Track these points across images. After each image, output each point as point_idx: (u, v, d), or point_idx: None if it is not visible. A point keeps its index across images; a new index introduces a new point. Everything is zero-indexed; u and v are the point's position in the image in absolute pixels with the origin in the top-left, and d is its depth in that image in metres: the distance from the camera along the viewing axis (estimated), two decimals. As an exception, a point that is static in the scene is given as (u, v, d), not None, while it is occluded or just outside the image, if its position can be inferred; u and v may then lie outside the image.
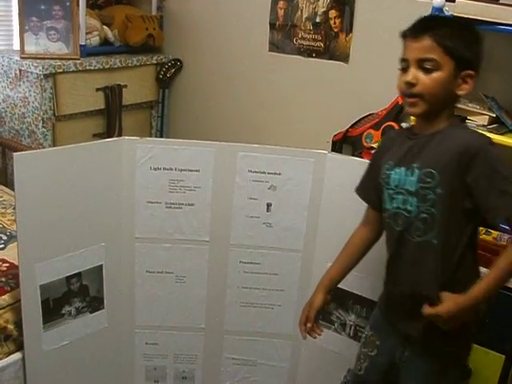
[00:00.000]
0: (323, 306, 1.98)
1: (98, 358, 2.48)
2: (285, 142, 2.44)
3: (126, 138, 2.35)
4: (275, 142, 2.47)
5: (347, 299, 2.36)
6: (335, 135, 2.99)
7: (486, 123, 2.36)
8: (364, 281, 2.29)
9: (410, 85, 1.64)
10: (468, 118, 2.39)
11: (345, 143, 2.96)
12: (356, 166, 2.29)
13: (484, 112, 2.37)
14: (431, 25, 1.65)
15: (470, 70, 1.64)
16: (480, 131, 1.69)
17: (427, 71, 1.62)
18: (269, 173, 2.37)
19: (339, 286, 2.06)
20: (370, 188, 1.89)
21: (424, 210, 1.67)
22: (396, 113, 2.79)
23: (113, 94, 3.32)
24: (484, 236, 2.27)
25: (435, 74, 1.62)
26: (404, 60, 1.68)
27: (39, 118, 3.13)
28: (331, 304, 2.35)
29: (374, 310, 2.01)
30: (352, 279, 2.19)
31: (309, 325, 1.96)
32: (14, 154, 2.07)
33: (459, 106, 2.39)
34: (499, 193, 1.57)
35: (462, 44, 1.63)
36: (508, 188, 1.57)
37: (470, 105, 2.42)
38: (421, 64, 1.63)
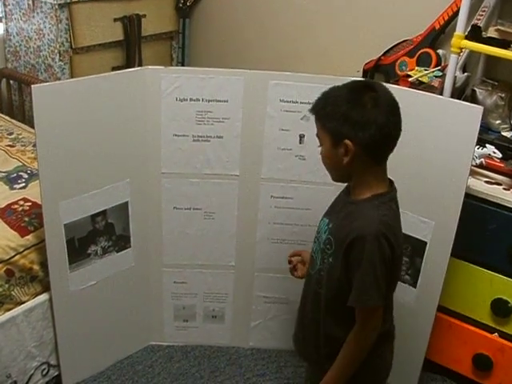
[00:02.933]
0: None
1: (125, 298, 2.45)
2: (312, 72, 2.31)
3: (150, 67, 2.24)
4: (302, 71, 2.33)
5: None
6: (366, 63, 2.86)
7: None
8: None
9: None
10: (512, 40, 2.24)
11: (377, 72, 2.83)
12: (394, 94, 2.17)
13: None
14: (315, 102, 1.66)
15: (346, 139, 1.57)
16: (376, 216, 1.60)
17: (320, 146, 1.67)
18: (302, 102, 2.25)
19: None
20: None
21: (322, 268, 1.71)
22: (432, 39, 2.66)
23: (131, 24, 3.18)
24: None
25: (321, 149, 1.66)
26: None
27: (55, 51, 3.01)
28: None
29: None
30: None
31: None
32: (33, 86, 1.98)
33: (503, 29, 2.29)
34: (356, 284, 1.59)
35: (333, 113, 1.58)
36: (363, 280, 1.58)
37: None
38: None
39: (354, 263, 1.58)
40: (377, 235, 1.56)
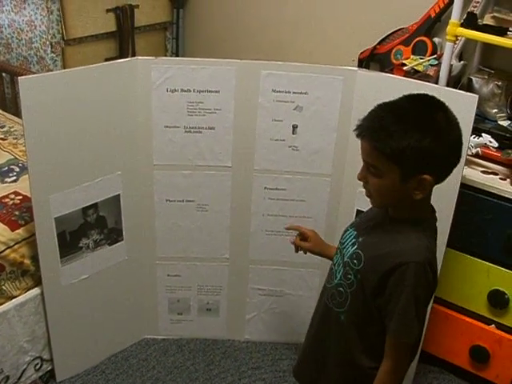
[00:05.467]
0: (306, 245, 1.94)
1: (119, 292, 2.42)
2: (307, 62, 2.27)
3: (140, 57, 2.20)
4: (296, 61, 2.29)
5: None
6: (361, 53, 2.82)
7: (529, 34, 2.17)
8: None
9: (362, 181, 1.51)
10: (510, 29, 2.19)
11: (372, 61, 2.80)
12: (388, 84, 2.15)
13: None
14: (370, 126, 1.42)
15: (424, 174, 1.40)
16: (424, 242, 1.48)
17: (372, 175, 1.45)
18: (294, 92, 2.22)
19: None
20: None
21: (343, 284, 1.58)
22: (428, 27, 2.62)
23: (124, 14, 3.14)
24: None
25: (379, 181, 1.45)
26: None
27: (47, 43, 2.97)
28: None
29: None
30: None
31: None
32: (19, 78, 1.95)
33: (499, 15, 2.25)
34: (397, 315, 1.46)
35: (409, 148, 1.36)
36: (406, 312, 1.46)
37: (511, 15, 2.23)
38: (368, 166, 1.46)
39: (395, 291, 1.45)
40: (424, 264, 1.44)
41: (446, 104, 1.47)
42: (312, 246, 1.93)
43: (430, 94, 1.49)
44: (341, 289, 1.58)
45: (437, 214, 1.58)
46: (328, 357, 1.65)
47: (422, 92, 1.50)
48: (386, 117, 1.41)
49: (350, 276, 1.55)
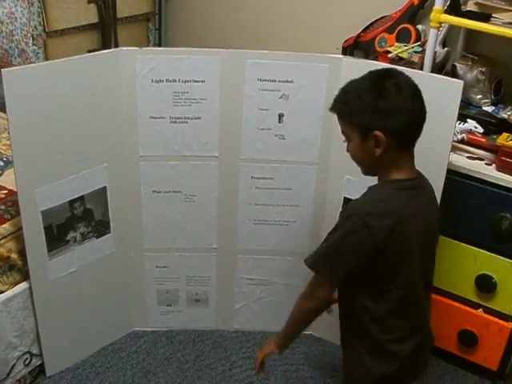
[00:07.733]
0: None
1: (107, 284, 2.42)
2: (292, 50, 2.27)
3: (124, 48, 2.18)
4: (280, 50, 2.29)
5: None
6: (346, 41, 2.82)
7: (512, 20, 2.18)
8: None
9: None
10: (493, 15, 2.20)
11: (356, 49, 2.80)
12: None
13: (511, 8, 2.18)
14: (336, 100, 1.64)
15: (376, 130, 1.55)
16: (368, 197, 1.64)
17: (347, 142, 1.65)
18: (280, 81, 2.21)
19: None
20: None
21: None
22: (411, 14, 2.63)
23: (106, 5, 3.11)
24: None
25: (350, 145, 1.64)
26: None
27: (29, 35, 2.93)
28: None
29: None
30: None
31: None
32: (3, 70, 1.92)
33: (482, 2, 2.26)
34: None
35: (356, 110, 1.57)
36: (321, 245, 1.65)
37: (494, 1, 2.23)
38: (343, 135, 1.66)
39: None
40: (353, 214, 1.58)
41: (405, 74, 1.62)
42: None
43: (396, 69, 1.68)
44: None
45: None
46: None
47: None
48: (345, 88, 1.63)
49: None
